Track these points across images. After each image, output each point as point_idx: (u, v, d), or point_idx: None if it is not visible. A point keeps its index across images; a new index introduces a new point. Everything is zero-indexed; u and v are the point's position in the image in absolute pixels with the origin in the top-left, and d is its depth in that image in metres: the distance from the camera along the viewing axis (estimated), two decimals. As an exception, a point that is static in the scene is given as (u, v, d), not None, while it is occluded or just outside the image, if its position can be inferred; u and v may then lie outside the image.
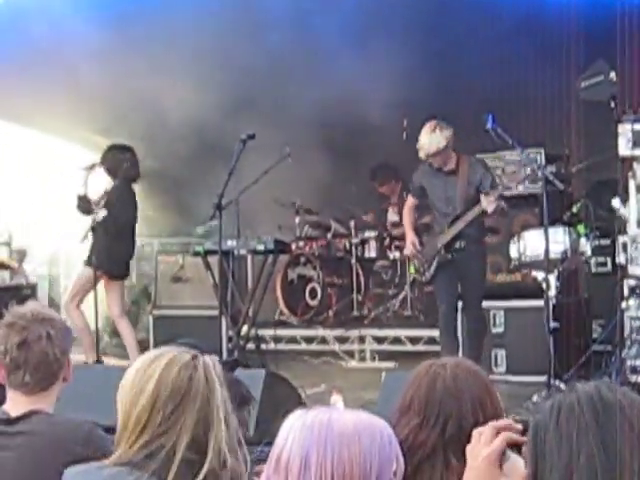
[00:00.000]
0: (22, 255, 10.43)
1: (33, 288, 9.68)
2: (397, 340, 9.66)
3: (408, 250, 7.74)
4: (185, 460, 2.16)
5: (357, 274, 10.46)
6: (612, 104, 7.22)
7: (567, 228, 7.30)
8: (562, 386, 6.63)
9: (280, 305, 10.48)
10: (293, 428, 1.96)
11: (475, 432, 1.99)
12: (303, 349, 9.99)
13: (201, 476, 2.14)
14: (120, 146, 8.48)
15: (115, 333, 9.41)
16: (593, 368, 7.20)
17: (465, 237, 7.35)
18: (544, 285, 6.96)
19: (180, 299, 10.04)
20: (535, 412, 1.74)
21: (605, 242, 8.63)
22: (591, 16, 9.25)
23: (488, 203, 7.13)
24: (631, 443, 1.61)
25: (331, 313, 10.37)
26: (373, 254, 10.62)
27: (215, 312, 8.09)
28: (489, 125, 6.91)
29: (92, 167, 8.25)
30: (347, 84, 9.50)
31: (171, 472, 2.13)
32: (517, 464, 1.94)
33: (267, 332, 9.64)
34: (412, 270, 7.84)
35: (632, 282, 7.34)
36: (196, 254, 8.28)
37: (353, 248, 10.51)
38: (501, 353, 8.21)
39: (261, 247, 7.86)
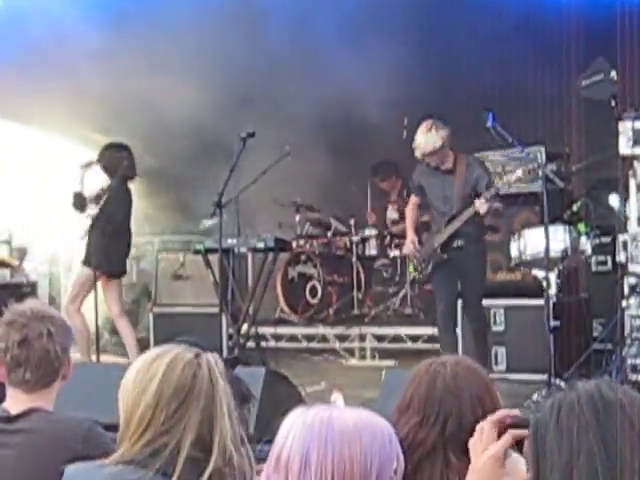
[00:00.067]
0: (22, 253, 10.42)
1: (33, 286, 9.68)
2: (397, 338, 9.66)
3: (407, 249, 7.74)
4: (190, 458, 2.15)
5: (357, 272, 10.46)
6: (612, 102, 7.22)
7: (567, 226, 7.29)
8: (562, 385, 6.64)
9: (280, 303, 10.48)
10: (293, 426, 1.96)
11: (478, 427, 1.98)
12: (303, 347, 9.99)
13: (207, 474, 2.14)
14: (117, 144, 8.47)
15: (115, 331, 9.40)
16: (593, 367, 7.20)
17: (464, 236, 7.34)
18: (544, 283, 6.96)
19: (180, 297, 10.04)
20: (536, 411, 1.74)
21: (605, 240, 8.63)
22: (591, 15, 9.27)
23: (480, 205, 7.13)
24: (631, 442, 1.61)
25: (331, 311, 10.37)
26: (373, 252, 10.63)
27: (215, 310, 8.10)
28: (489, 123, 6.91)
29: (89, 165, 8.26)
30: (347, 83, 9.50)
31: (176, 470, 2.13)
32: (518, 463, 1.94)
33: (267, 330, 9.65)
34: (411, 269, 7.84)
35: (632, 280, 7.34)
36: (196, 252, 8.28)
37: (353, 246, 10.52)
38: (501, 351, 8.22)
39: (261, 245, 7.86)
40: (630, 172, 7.50)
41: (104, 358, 8.20)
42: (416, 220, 7.84)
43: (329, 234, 10.83)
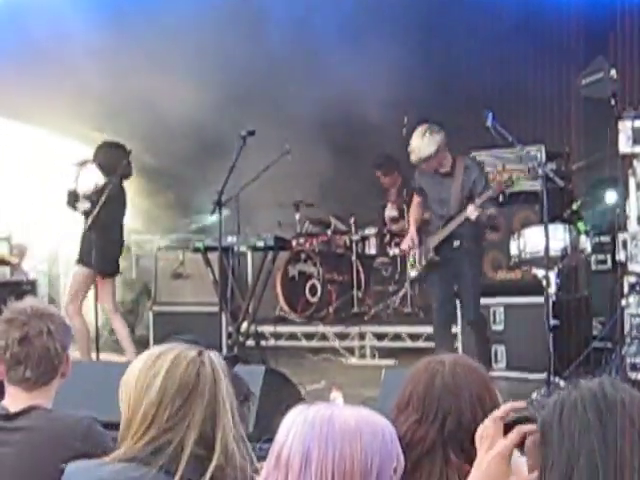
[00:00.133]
0: (22, 251, 10.42)
1: (33, 284, 9.68)
2: (397, 337, 9.66)
3: (405, 244, 7.75)
4: (194, 455, 2.16)
5: (357, 271, 10.46)
6: (612, 101, 7.22)
7: (567, 225, 7.30)
8: (561, 383, 6.64)
9: (280, 302, 10.48)
10: (294, 424, 1.96)
11: (485, 421, 1.96)
12: (303, 346, 10.00)
13: (209, 472, 2.14)
14: (113, 143, 8.48)
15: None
16: (593, 365, 7.21)
17: (460, 236, 7.32)
18: (544, 282, 6.96)
19: (180, 295, 10.05)
20: (540, 409, 1.74)
21: (605, 239, 8.63)
22: (591, 14, 9.27)
23: (471, 212, 7.13)
24: (632, 440, 1.61)
25: (331, 310, 10.38)
26: (373, 251, 10.63)
27: (215, 308, 8.11)
28: (489, 122, 6.91)
29: (84, 163, 8.26)
30: (347, 83, 9.51)
31: (180, 467, 2.13)
32: (519, 463, 1.93)
33: (267, 328, 9.65)
34: (411, 261, 7.82)
35: (632, 279, 7.35)
36: (196, 250, 8.29)
37: (353, 245, 10.52)
38: (501, 350, 8.22)
39: (261, 244, 7.87)
40: (630, 171, 7.51)
41: (103, 356, 8.20)
42: (419, 218, 7.81)
43: (329, 232, 10.84)
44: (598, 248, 8.46)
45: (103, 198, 7.98)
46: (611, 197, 8.32)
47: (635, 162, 7.46)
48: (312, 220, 10.99)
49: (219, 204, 7.37)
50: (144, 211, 11.57)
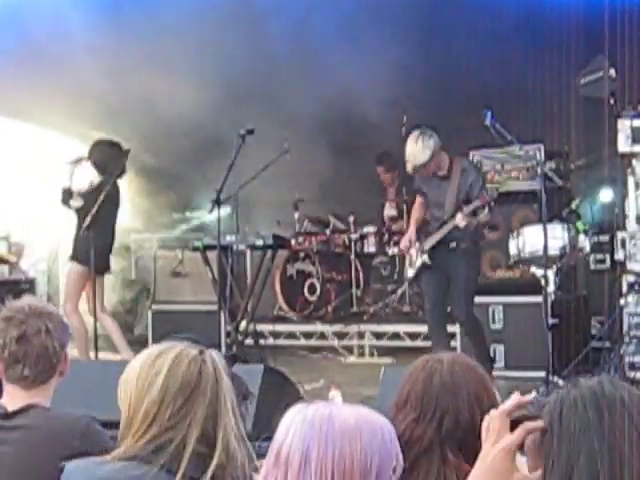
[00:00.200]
0: (19, 250, 10.42)
1: (32, 283, 9.68)
2: (396, 336, 9.66)
3: (402, 243, 7.75)
4: (196, 453, 2.16)
5: (356, 270, 10.46)
6: (612, 100, 7.22)
7: (566, 224, 7.30)
8: (560, 382, 6.64)
9: (279, 300, 10.48)
10: (294, 422, 1.96)
11: (492, 412, 1.95)
12: (302, 344, 10.00)
13: (211, 469, 2.14)
14: (107, 141, 8.48)
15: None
16: (591, 364, 7.21)
17: (457, 237, 7.29)
18: (543, 281, 6.97)
19: (179, 294, 10.05)
20: (541, 407, 1.74)
21: (604, 238, 8.63)
22: (590, 12, 9.25)
23: (459, 220, 7.11)
24: (631, 438, 1.61)
25: (330, 308, 10.37)
26: (372, 250, 10.62)
27: (214, 307, 8.10)
28: (488, 121, 6.91)
29: (79, 161, 8.26)
30: (347, 82, 9.51)
31: (182, 466, 2.13)
32: (519, 463, 1.93)
33: (266, 327, 9.64)
34: (409, 261, 7.82)
35: (631, 278, 7.35)
36: (195, 249, 8.28)
37: (352, 244, 10.52)
38: (499, 349, 8.21)
39: (260, 242, 7.87)
40: (629, 170, 7.51)
41: (102, 355, 8.19)
42: (420, 218, 7.78)
43: (328, 231, 10.83)
44: (597, 247, 8.46)
45: (102, 197, 7.98)
46: (606, 195, 8.33)
47: (634, 161, 7.46)
48: (311, 219, 10.99)
49: (218, 203, 7.37)
50: (143, 210, 11.58)
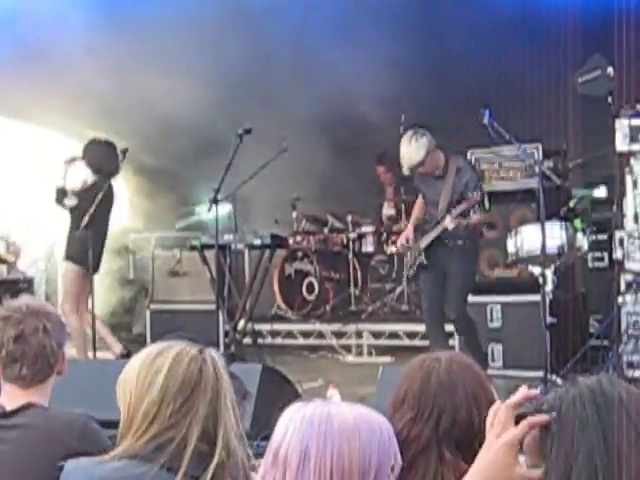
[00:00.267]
0: (16, 251, 10.42)
1: (30, 282, 9.68)
2: (394, 335, 9.66)
3: (399, 242, 7.75)
4: (197, 452, 2.16)
5: (354, 269, 10.46)
6: (609, 99, 7.22)
7: (564, 223, 7.30)
8: (559, 381, 6.64)
9: (277, 300, 10.48)
10: (292, 421, 1.95)
11: (497, 404, 1.94)
12: (300, 344, 10.00)
13: (212, 468, 2.14)
14: (102, 141, 8.47)
15: (113, 328, 9.39)
16: (590, 363, 7.21)
17: (453, 236, 7.28)
18: (541, 280, 6.96)
19: (177, 293, 10.05)
20: (539, 406, 1.74)
21: (602, 237, 8.63)
22: (588, 11, 9.26)
23: (448, 222, 7.11)
24: (630, 436, 1.61)
25: (328, 308, 10.37)
26: (370, 249, 10.63)
27: (212, 306, 8.10)
28: (486, 120, 6.91)
29: (73, 160, 8.26)
30: (346, 81, 9.52)
31: (183, 464, 2.13)
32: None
33: (264, 326, 9.65)
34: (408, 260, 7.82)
35: (629, 277, 7.35)
36: (193, 248, 8.29)
37: (350, 243, 10.52)
38: (498, 348, 8.21)
39: (258, 242, 7.87)
40: (626, 169, 7.51)
41: (100, 355, 8.19)
42: (419, 217, 7.77)
43: (326, 231, 10.83)
44: (595, 246, 8.45)
45: (100, 196, 7.97)
46: (601, 193, 8.33)
47: (632, 160, 7.46)
48: (309, 218, 11.00)
49: (215, 202, 7.37)
50: (141, 210, 11.57)
